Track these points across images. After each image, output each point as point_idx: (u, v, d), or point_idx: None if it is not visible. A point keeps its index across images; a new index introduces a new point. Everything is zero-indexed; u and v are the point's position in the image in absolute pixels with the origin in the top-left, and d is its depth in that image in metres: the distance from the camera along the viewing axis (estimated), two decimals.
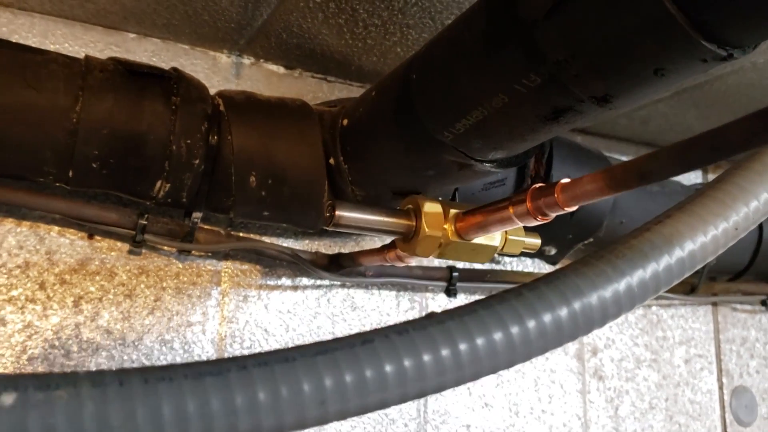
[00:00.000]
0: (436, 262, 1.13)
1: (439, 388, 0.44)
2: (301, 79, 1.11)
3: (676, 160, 0.44)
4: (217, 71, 1.05)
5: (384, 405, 0.43)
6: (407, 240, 0.71)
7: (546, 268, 1.29)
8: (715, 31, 0.47)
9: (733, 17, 0.45)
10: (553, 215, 0.59)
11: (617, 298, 0.49)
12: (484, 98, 0.63)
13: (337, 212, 0.66)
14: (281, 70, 1.10)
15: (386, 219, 0.69)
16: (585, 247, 1.22)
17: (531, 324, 0.46)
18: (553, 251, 1.21)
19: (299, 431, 0.40)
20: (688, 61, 0.49)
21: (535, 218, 0.59)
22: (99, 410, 0.36)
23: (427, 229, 0.68)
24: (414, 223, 0.69)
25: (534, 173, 1.11)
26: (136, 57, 0.98)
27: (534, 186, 0.59)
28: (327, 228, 0.67)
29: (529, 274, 1.23)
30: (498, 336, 0.45)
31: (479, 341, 0.45)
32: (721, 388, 1.48)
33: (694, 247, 0.52)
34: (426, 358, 0.43)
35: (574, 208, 0.57)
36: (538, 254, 1.25)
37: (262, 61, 1.09)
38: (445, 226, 0.69)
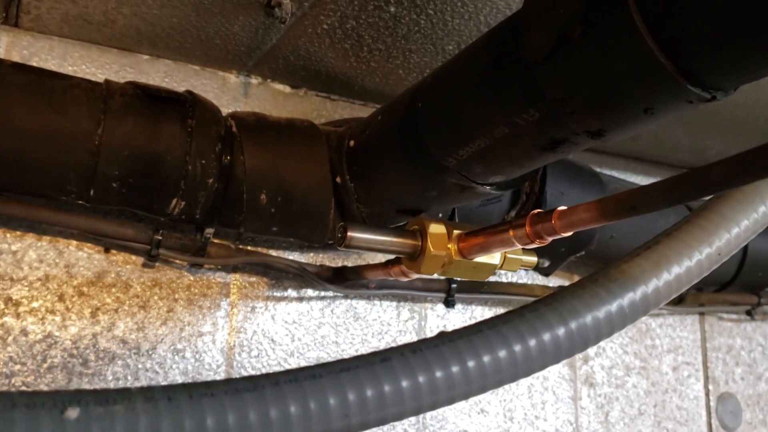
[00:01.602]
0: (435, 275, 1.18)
1: (450, 401, 0.49)
2: (306, 98, 1.16)
3: (664, 196, 0.49)
4: (226, 91, 1.09)
5: (401, 417, 0.47)
6: (413, 259, 0.75)
7: (539, 280, 1.34)
8: (700, 76, 0.52)
9: (716, 66, 0.50)
10: (549, 239, 0.63)
11: (610, 318, 0.54)
12: (487, 129, 0.67)
13: (349, 233, 0.71)
14: (287, 89, 1.15)
15: (394, 239, 0.74)
16: (577, 260, 1.27)
17: (532, 342, 0.50)
18: (546, 263, 1.26)
19: None
20: (675, 102, 0.54)
21: (533, 242, 0.64)
22: (152, 422, 0.40)
23: (432, 249, 0.73)
24: (420, 243, 0.74)
25: (529, 189, 1.15)
26: (149, 78, 1.03)
27: (533, 212, 0.64)
28: (339, 248, 0.72)
29: (524, 285, 1.28)
30: (503, 353, 0.50)
31: (486, 359, 0.49)
32: (707, 394, 1.54)
33: (680, 271, 0.56)
34: (438, 374, 0.48)
35: (569, 233, 0.61)
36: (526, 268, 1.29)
37: (269, 81, 1.13)
38: (449, 246, 0.74)
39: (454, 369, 0.48)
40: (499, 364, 0.49)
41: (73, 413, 0.39)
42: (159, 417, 0.40)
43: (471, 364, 0.49)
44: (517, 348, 0.50)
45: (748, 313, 1.56)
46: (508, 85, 0.63)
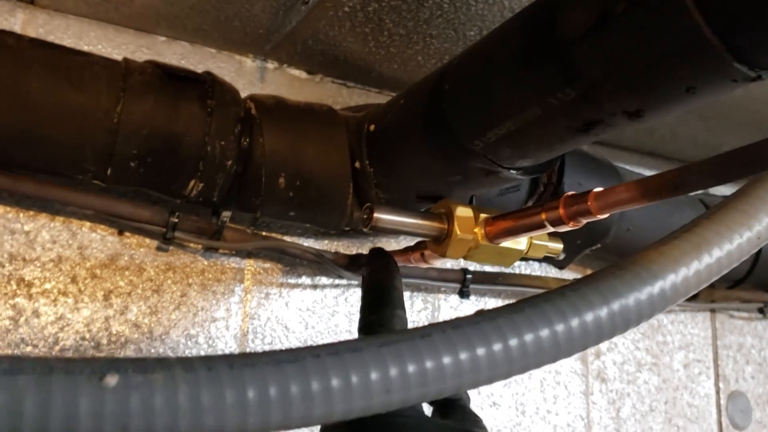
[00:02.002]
0: (449, 264, 1.17)
1: (491, 380, 0.47)
2: (321, 84, 1.15)
3: (712, 173, 0.48)
4: (242, 75, 1.08)
5: (441, 394, 0.46)
6: (439, 242, 0.74)
7: (552, 272, 1.33)
8: (747, 53, 0.50)
9: (764, 43, 0.49)
10: (584, 221, 0.62)
11: (651, 300, 0.52)
12: (518, 110, 0.66)
13: (375, 214, 0.69)
14: (303, 75, 1.13)
15: (420, 222, 0.72)
16: (592, 252, 1.26)
17: (575, 322, 0.49)
18: (561, 255, 1.25)
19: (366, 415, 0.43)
20: (719, 81, 0.53)
21: (567, 224, 0.62)
22: (193, 392, 0.39)
23: (459, 233, 0.71)
24: (446, 227, 0.73)
25: (546, 179, 1.14)
26: (165, 59, 1.01)
27: (566, 194, 0.62)
28: (364, 230, 0.70)
29: (538, 277, 1.27)
30: (545, 333, 0.48)
31: (528, 337, 0.48)
32: (717, 392, 1.53)
33: (721, 254, 0.55)
34: (480, 351, 0.46)
35: (605, 215, 0.60)
36: (547, 258, 1.28)
37: (285, 66, 1.12)
38: (476, 230, 0.72)
39: (496, 347, 0.47)
40: (541, 344, 0.48)
41: (112, 380, 0.38)
42: (199, 386, 0.39)
43: (513, 342, 0.47)
44: (560, 328, 0.49)
45: (761, 310, 1.55)
46: (542, 65, 0.62)
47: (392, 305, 0.70)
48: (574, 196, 0.62)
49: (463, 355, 0.46)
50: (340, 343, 0.44)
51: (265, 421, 0.40)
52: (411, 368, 0.44)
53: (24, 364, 0.37)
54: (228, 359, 0.41)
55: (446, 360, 0.45)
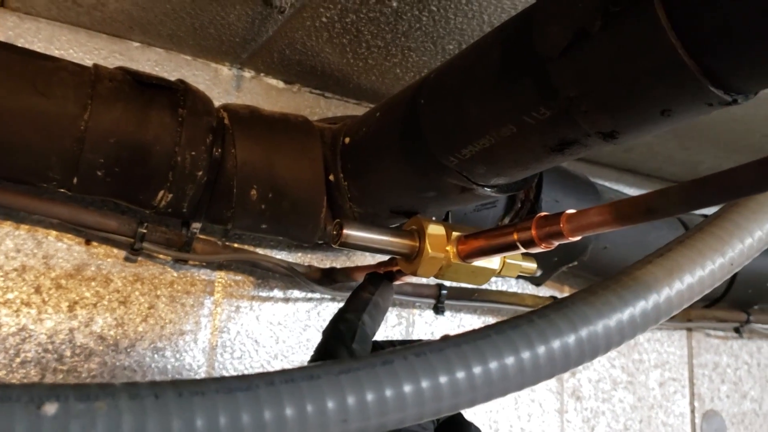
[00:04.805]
0: (424, 279, 1.15)
1: (454, 408, 0.46)
2: (299, 94, 1.13)
3: (684, 199, 0.47)
4: (218, 83, 1.06)
5: (402, 423, 0.44)
6: (410, 260, 0.72)
7: (529, 289, 1.32)
8: (723, 78, 0.50)
9: (741, 67, 0.48)
10: (556, 244, 0.61)
11: (621, 327, 0.51)
12: (493, 127, 0.65)
13: (345, 231, 0.67)
14: (280, 84, 1.12)
15: (391, 239, 0.71)
16: (569, 270, 1.25)
17: (541, 350, 0.48)
18: (538, 273, 1.24)
19: None
20: (694, 104, 0.52)
21: (539, 246, 0.61)
22: (137, 422, 0.37)
23: (430, 251, 0.70)
24: (417, 244, 0.71)
25: (524, 196, 1.13)
26: (139, 66, 0.99)
27: (539, 215, 0.61)
28: (334, 246, 0.69)
29: (515, 294, 1.25)
30: (510, 360, 0.47)
31: (492, 365, 0.47)
32: (692, 411, 1.52)
33: (693, 280, 0.54)
34: (442, 379, 0.45)
35: (578, 238, 0.59)
36: (523, 276, 1.27)
37: (262, 75, 1.10)
38: (448, 248, 0.71)
39: (460, 375, 0.45)
40: (507, 372, 0.47)
41: (51, 408, 0.36)
42: (144, 416, 0.37)
43: (477, 370, 0.46)
44: (526, 355, 0.47)
45: (737, 330, 1.55)
46: (519, 82, 0.61)
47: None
48: (547, 217, 0.60)
49: (425, 383, 0.44)
50: (297, 369, 0.43)
51: None
52: (370, 397, 0.42)
53: None
54: (177, 386, 0.39)
55: (407, 388, 0.44)
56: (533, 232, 0.61)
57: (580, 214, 0.57)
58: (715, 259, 0.56)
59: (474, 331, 0.49)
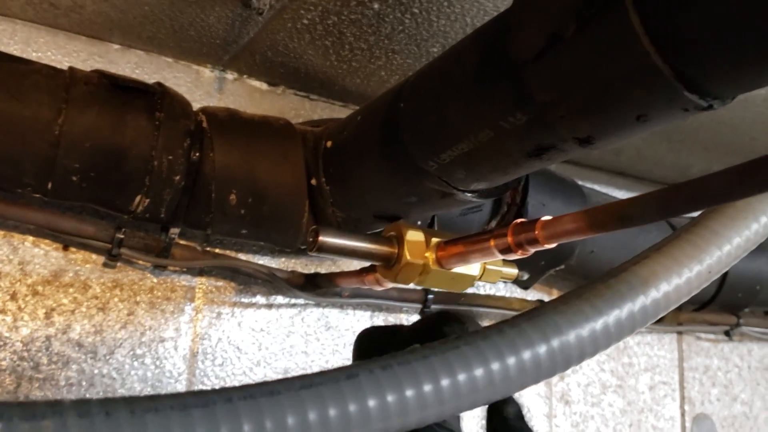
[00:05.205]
0: (412, 284, 1.14)
1: (421, 423, 0.45)
2: (283, 96, 1.12)
3: (657, 207, 0.46)
4: (199, 85, 1.05)
5: None
6: (389, 267, 0.71)
7: (518, 293, 1.31)
8: (698, 83, 0.49)
9: (715, 72, 0.47)
10: (532, 251, 0.60)
11: (594, 337, 0.50)
12: (471, 132, 0.64)
13: (320, 238, 0.66)
14: (264, 86, 1.10)
15: (368, 246, 0.70)
16: (557, 273, 1.24)
17: (511, 361, 0.47)
18: (525, 276, 1.23)
19: None
20: (670, 109, 0.51)
21: (516, 252, 0.60)
22: None
23: (408, 258, 0.69)
24: (396, 251, 0.70)
25: (510, 199, 1.12)
26: (119, 68, 0.98)
27: (516, 221, 0.60)
28: (310, 253, 0.68)
29: (502, 298, 1.24)
30: (479, 372, 0.46)
31: (461, 377, 0.45)
32: (683, 414, 1.51)
33: (669, 288, 0.53)
34: (409, 393, 0.44)
35: (553, 245, 0.58)
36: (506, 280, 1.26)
37: (245, 77, 1.09)
38: (427, 255, 0.70)
39: (426, 388, 0.44)
40: (476, 384, 0.45)
41: None
42: None
43: (445, 382, 0.45)
44: (495, 366, 0.46)
45: (727, 333, 1.54)
46: (495, 87, 0.60)
47: None
48: (523, 224, 0.59)
49: (391, 397, 0.43)
50: (257, 385, 0.41)
51: None
52: (332, 412, 0.41)
53: None
54: (130, 403, 0.38)
55: (371, 402, 0.43)
56: (509, 239, 0.60)
57: (555, 221, 0.56)
58: (692, 267, 0.55)
59: (444, 341, 0.48)
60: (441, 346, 0.47)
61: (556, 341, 0.48)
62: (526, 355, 0.47)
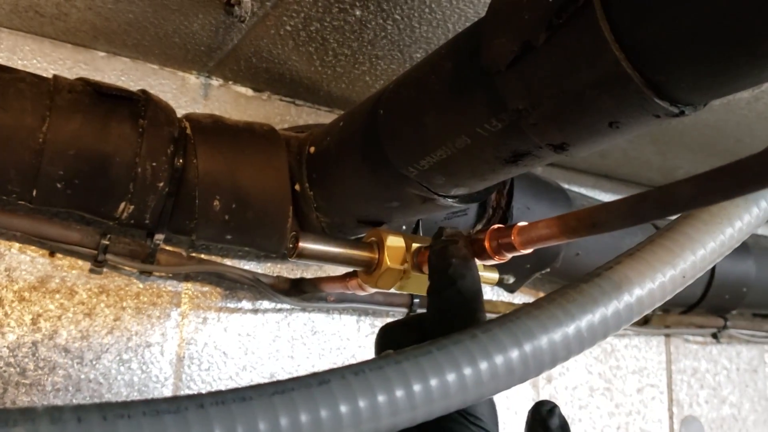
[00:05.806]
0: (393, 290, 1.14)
1: (393, 428, 0.45)
2: (269, 102, 1.12)
3: (627, 213, 0.46)
4: (185, 92, 1.05)
5: None
6: (369, 272, 0.72)
7: (504, 296, 1.32)
8: (668, 90, 0.49)
9: (685, 79, 0.48)
10: (509, 256, 0.60)
11: (567, 341, 0.51)
12: (448, 139, 0.64)
13: (300, 244, 0.67)
14: (249, 92, 1.11)
15: (349, 251, 0.70)
16: (543, 277, 1.24)
17: (483, 365, 0.47)
18: (511, 280, 1.23)
19: None
20: (641, 116, 0.52)
21: (492, 258, 0.61)
22: None
23: (388, 263, 0.69)
24: (376, 256, 0.70)
25: (495, 204, 1.13)
26: (104, 75, 0.98)
27: (493, 227, 0.61)
28: (291, 260, 0.68)
29: (488, 301, 1.25)
30: (451, 377, 0.46)
31: (433, 382, 0.46)
32: (671, 417, 1.52)
33: (642, 293, 0.54)
34: (381, 398, 0.44)
35: (529, 251, 0.58)
36: (497, 282, 1.27)
37: (230, 83, 1.09)
38: (407, 260, 0.70)
39: (398, 393, 0.45)
40: (448, 389, 0.46)
41: None
42: None
43: (417, 387, 0.45)
44: (468, 371, 0.47)
45: (714, 335, 1.55)
46: (470, 94, 0.61)
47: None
48: (500, 229, 0.60)
49: (362, 403, 0.44)
50: (229, 391, 0.42)
51: None
52: (304, 417, 0.42)
53: None
54: (102, 409, 0.39)
55: (344, 408, 0.43)
56: (486, 244, 0.61)
57: (530, 226, 0.57)
58: (665, 272, 0.55)
59: (416, 347, 0.48)
60: (414, 351, 0.48)
61: (528, 346, 0.49)
62: (499, 359, 0.48)
